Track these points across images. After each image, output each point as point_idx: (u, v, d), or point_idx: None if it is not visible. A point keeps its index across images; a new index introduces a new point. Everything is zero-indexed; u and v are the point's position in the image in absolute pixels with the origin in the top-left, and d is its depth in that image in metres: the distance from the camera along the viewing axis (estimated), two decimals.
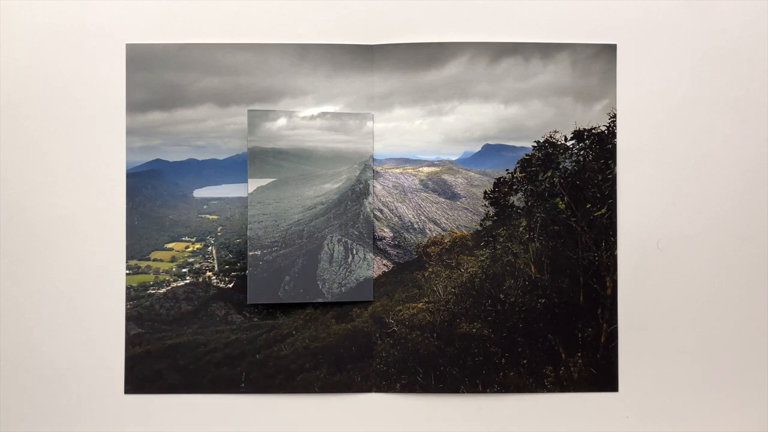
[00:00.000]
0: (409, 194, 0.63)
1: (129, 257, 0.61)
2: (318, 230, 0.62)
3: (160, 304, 0.61)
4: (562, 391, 0.62)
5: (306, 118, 0.61)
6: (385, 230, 0.62)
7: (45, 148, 0.61)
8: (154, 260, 0.61)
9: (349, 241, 0.62)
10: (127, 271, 0.61)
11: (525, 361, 0.62)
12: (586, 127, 0.62)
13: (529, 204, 0.62)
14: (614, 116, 0.62)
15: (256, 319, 0.61)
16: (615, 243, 0.62)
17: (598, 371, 0.62)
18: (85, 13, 0.61)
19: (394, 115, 0.61)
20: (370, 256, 0.62)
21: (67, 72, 0.61)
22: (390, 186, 0.63)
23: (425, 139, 0.62)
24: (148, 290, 0.61)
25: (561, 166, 0.62)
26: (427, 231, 0.63)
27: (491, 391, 0.62)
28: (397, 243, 0.63)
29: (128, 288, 0.60)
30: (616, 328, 0.62)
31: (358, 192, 0.62)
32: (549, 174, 0.62)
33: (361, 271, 0.61)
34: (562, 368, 0.62)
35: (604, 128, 0.62)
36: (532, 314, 0.62)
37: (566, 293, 0.62)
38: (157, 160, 0.61)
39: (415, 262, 0.62)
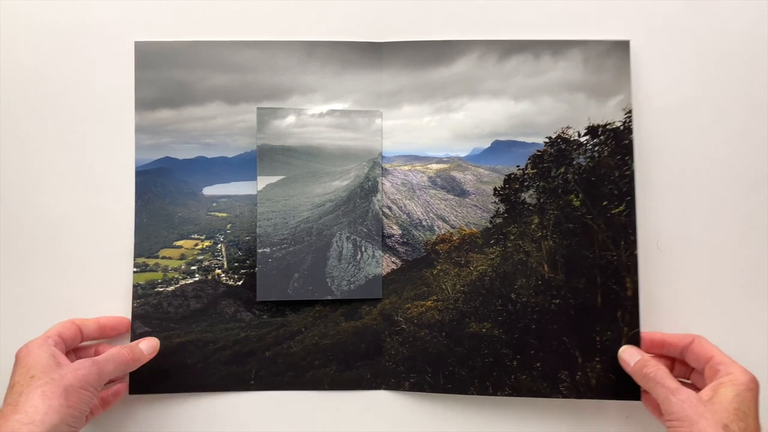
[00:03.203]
0: (417, 191, 0.63)
1: (137, 255, 0.60)
2: (327, 227, 0.62)
3: (168, 302, 0.60)
4: (579, 397, 0.60)
5: (315, 115, 0.61)
6: (394, 227, 0.62)
7: (53, 146, 0.61)
8: (163, 258, 0.61)
9: (357, 239, 0.62)
10: (135, 269, 0.60)
11: (538, 364, 0.60)
12: (601, 123, 0.61)
13: (542, 201, 0.61)
14: (629, 112, 0.61)
15: (265, 317, 0.61)
16: (635, 242, 0.60)
17: (618, 377, 0.59)
18: (93, 12, 0.61)
19: (402, 113, 0.62)
20: (378, 253, 0.62)
21: (75, 70, 0.61)
22: (399, 183, 0.63)
23: (434, 136, 0.62)
24: (156, 288, 0.60)
25: (575, 162, 0.61)
26: (435, 228, 0.62)
27: (502, 394, 0.60)
28: (405, 240, 0.62)
29: (135, 286, 0.60)
30: (638, 332, 0.59)
31: (367, 189, 0.62)
32: (562, 170, 0.61)
33: (370, 269, 0.62)
34: (579, 373, 0.60)
35: (619, 124, 0.61)
36: (545, 315, 0.60)
37: (582, 294, 0.60)
38: (167, 158, 0.61)
39: (423, 259, 0.62)
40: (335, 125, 0.61)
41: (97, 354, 0.56)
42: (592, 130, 0.61)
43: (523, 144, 0.61)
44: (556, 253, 0.60)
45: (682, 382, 0.55)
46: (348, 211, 0.62)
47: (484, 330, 0.60)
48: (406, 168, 0.63)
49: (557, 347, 0.60)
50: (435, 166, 0.63)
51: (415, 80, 0.61)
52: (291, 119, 0.61)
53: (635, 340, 0.59)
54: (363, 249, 0.62)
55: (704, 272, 0.62)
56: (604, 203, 0.60)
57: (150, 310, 0.60)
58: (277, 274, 0.61)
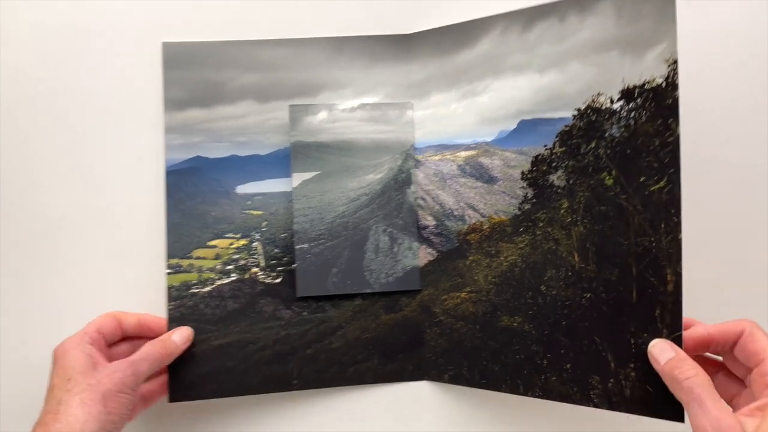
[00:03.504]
0: (448, 181, 0.62)
1: (170, 256, 0.59)
2: (363, 221, 0.62)
3: (204, 304, 0.59)
4: (612, 409, 0.51)
5: (346, 110, 0.62)
6: (428, 218, 0.63)
7: (82, 147, 0.60)
8: (197, 258, 0.59)
9: (394, 231, 0.62)
10: (168, 271, 0.59)
11: (568, 366, 0.54)
12: (637, 83, 0.51)
13: (571, 182, 0.54)
14: (674, 62, 0.49)
15: (305, 314, 0.60)
16: (679, 224, 0.49)
17: (656, 390, 0.49)
18: (120, 13, 0.61)
19: (431, 102, 0.62)
20: (415, 245, 0.62)
21: (103, 72, 0.60)
22: (431, 174, 0.63)
23: (461, 123, 0.61)
24: (191, 289, 0.59)
25: (607, 135, 0.53)
26: (466, 218, 0.61)
27: (532, 395, 0.55)
28: (439, 231, 0.62)
29: (170, 288, 0.59)
30: (680, 336, 0.48)
31: (401, 181, 0.63)
32: (593, 145, 0.53)
33: (407, 261, 0.62)
34: (611, 380, 0.51)
35: (661, 80, 0.50)
36: (576, 311, 0.54)
37: (615, 287, 0.52)
38: (198, 157, 0.60)
39: (456, 250, 0.61)
40: (367, 119, 0.62)
41: (132, 350, 0.54)
42: (626, 94, 0.51)
43: (550, 121, 0.55)
44: (587, 240, 0.53)
45: (717, 363, 0.50)
46: (383, 204, 0.62)
47: (515, 324, 0.57)
48: (436, 158, 0.63)
49: (588, 348, 0.53)
50: (463, 154, 0.62)
51: (441, 68, 0.61)
52: (323, 115, 0.61)
53: (676, 344, 0.48)
54: (399, 241, 0.62)
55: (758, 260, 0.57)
56: (642, 179, 0.50)
57: (186, 312, 0.58)
58: (316, 270, 0.60)
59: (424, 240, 0.62)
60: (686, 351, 0.47)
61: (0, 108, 0.59)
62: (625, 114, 0.52)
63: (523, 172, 0.58)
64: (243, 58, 0.61)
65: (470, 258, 0.60)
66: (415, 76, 0.62)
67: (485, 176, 0.61)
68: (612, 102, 0.53)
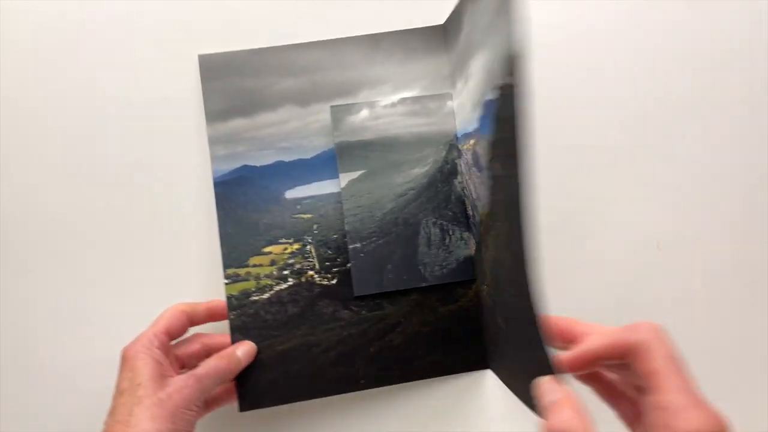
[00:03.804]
0: (471, 170, 0.60)
1: (226, 266, 0.59)
2: (412, 216, 0.62)
3: (265, 310, 0.59)
4: None
5: (387, 106, 0.62)
6: (469, 209, 0.62)
7: (127, 165, 0.60)
8: (253, 266, 0.60)
9: (444, 223, 0.62)
10: (226, 281, 0.59)
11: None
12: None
13: (502, 172, 0.46)
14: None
15: (363, 312, 0.60)
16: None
17: None
18: (153, 29, 0.61)
19: (457, 91, 0.61)
20: (466, 234, 0.62)
21: (141, 88, 0.61)
22: (464, 163, 0.62)
23: (465, 110, 0.59)
24: (251, 297, 0.59)
25: (506, 115, 0.42)
26: (479, 208, 0.58)
27: (522, 400, 0.50)
28: (474, 222, 0.61)
29: (229, 297, 0.59)
30: (549, 363, 0.39)
31: (446, 173, 0.62)
32: (504, 126, 0.44)
33: (459, 251, 0.62)
34: None
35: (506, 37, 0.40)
36: (512, 319, 0.49)
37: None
38: (244, 167, 0.61)
39: (480, 240, 0.59)
40: (408, 113, 0.62)
41: (200, 350, 0.56)
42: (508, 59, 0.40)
43: (490, 101, 0.48)
44: (502, 239, 0.47)
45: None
46: (431, 197, 0.62)
47: (501, 323, 0.53)
48: (465, 147, 0.61)
49: (524, 363, 0.47)
50: (471, 142, 0.58)
51: (457, 54, 0.60)
52: (365, 113, 0.61)
53: (550, 368, 0.39)
54: (450, 232, 0.62)
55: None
56: (506, 172, 0.42)
57: (248, 320, 0.59)
58: (371, 268, 0.60)
59: (470, 229, 0.62)
60: (574, 367, 0.41)
61: (67, 122, 0.60)
62: (507, 80, 0.41)
63: (488, 161, 0.51)
64: (280, 64, 0.61)
65: (483, 250, 0.57)
66: (448, 66, 0.62)
67: (479, 165, 0.55)
68: (501, 75, 0.43)
